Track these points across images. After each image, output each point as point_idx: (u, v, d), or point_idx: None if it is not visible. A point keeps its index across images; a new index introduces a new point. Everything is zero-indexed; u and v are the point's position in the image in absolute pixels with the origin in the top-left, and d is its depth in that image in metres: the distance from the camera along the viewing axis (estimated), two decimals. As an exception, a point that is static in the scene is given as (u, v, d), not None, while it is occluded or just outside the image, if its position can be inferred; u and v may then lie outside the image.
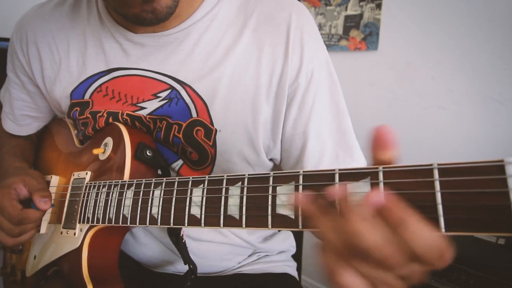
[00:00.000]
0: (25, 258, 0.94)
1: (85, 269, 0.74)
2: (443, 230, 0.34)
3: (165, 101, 0.79)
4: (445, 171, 0.35)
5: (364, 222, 0.36)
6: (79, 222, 0.76)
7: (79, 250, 0.75)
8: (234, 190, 0.50)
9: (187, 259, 0.82)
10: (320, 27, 2.03)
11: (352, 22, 1.95)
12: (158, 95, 0.79)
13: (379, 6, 1.88)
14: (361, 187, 0.40)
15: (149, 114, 0.80)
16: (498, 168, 0.32)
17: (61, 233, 0.79)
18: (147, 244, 0.95)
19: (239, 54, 0.77)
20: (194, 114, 0.78)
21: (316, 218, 0.41)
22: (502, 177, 0.32)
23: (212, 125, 0.78)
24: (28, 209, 0.77)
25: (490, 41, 1.67)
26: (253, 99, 0.77)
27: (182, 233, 0.82)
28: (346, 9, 1.96)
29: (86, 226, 0.75)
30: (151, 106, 0.80)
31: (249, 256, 1.01)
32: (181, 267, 0.95)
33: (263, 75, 0.76)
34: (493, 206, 0.32)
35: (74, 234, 0.76)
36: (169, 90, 0.79)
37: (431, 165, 0.35)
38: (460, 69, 1.74)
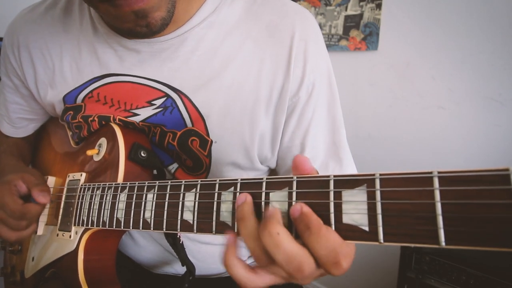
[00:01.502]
0: (24, 259, 0.93)
1: (81, 272, 0.72)
2: (443, 243, 0.31)
3: (160, 109, 0.76)
4: (445, 179, 0.32)
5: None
6: (74, 225, 0.74)
7: (74, 253, 0.73)
8: (227, 196, 0.48)
9: (184, 261, 0.80)
10: (320, 27, 1.99)
11: (352, 22, 1.93)
12: (153, 102, 0.76)
13: (379, 6, 1.85)
14: (357, 195, 0.37)
15: (142, 121, 0.77)
16: (503, 177, 0.29)
17: (57, 235, 0.78)
18: (145, 246, 0.94)
19: (239, 65, 0.73)
20: (189, 124, 0.76)
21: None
22: (506, 187, 0.29)
23: (208, 136, 0.76)
24: (29, 203, 0.76)
25: (490, 41, 1.65)
26: (252, 112, 0.74)
27: (179, 234, 0.80)
28: (346, 9, 1.94)
29: (81, 229, 0.73)
30: (144, 113, 0.77)
31: (249, 257, 0.99)
32: (180, 268, 0.93)
33: (263, 87, 0.73)
34: (497, 219, 0.29)
35: (70, 236, 0.75)
36: (164, 98, 0.76)
37: (430, 173, 0.33)
38: (460, 69, 1.72)
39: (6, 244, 1.00)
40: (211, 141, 0.76)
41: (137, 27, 0.64)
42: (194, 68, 0.74)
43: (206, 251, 0.92)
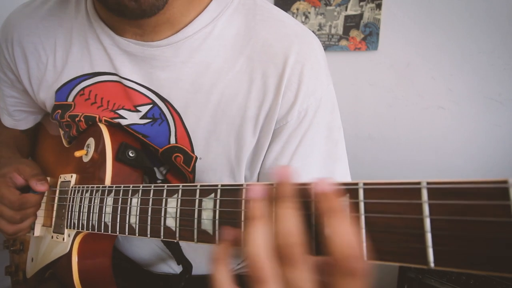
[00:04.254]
0: (25, 259, 0.92)
1: (75, 274, 0.70)
2: (432, 264, 0.27)
3: (149, 120, 0.72)
4: (435, 191, 0.27)
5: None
6: (67, 227, 0.72)
7: (68, 255, 0.71)
8: (208, 203, 0.45)
9: (180, 260, 0.78)
10: (320, 27, 1.96)
11: (352, 22, 1.88)
12: (139, 108, 0.72)
13: (379, 6, 1.81)
14: (339, 207, 0.33)
15: (127, 125, 0.73)
16: (500, 191, 0.24)
17: (52, 237, 0.76)
18: (142, 245, 0.91)
19: (229, 81, 0.68)
20: (172, 140, 0.71)
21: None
22: (505, 203, 0.24)
23: (193, 153, 0.71)
24: (27, 193, 0.76)
25: (490, 41, 1.61)
26: (238, 131, 0.69)
27: None
28: (346, 9, 1.89)
29: (74, 232, 0.71)
30: (131, 118, 0.73)
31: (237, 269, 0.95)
32: (178, 267, 0.90)
33: (251, 107, 0.67)
34: (493, 239, 0.24)
35: (63, 239, 0.73)
36: (151, 105, 0.72)
37: (419, 183, 0.28)
38: (460, 69, 1.69)
39: (9, 243, 0.99)
40: (196, 158, 0.72)
41: None
42: (184, 79, 0.69)
43: (202, 253, 0.89)
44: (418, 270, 1.42)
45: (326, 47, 1.96)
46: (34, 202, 0.75)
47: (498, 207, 0.24)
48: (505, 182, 0.24)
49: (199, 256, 0.88)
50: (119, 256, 0.94)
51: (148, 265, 0.94)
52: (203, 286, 0.89)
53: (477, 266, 0.25)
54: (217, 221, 0.43)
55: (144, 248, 0.91)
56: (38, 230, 0.82)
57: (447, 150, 1.74)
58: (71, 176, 0.75)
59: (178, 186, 0.48)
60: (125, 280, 0.90)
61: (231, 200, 0.42)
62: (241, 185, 0.41)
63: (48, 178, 0.84)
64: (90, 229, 0.65)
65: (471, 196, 0.26)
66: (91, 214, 0.64)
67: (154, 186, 0.53)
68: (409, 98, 1.82)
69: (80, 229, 0.67)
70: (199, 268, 0.87)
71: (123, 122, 0.73)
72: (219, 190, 0.43)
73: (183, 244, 0.82)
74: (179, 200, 0.48)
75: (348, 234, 0.32)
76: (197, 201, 0.45)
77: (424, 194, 0.28)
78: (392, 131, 1.88)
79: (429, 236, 0.27)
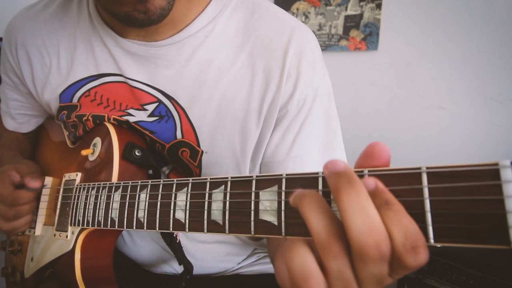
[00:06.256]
0: (24, 259, 0.93)
1: (78, 272, 0.72)
2: (432, 240, 0.30)
3: (156, 118, 0.75)
4: (434, 175, 0.31)
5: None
6: (71, 225, 0.73)
7: (71, 252, 0.72)
8: (218, 195, 0.47)
9: (181, 260, 0.80)
10: (320, 27, 1.99)
11: (352, 22, 1.92)
12: (145, 107, 0.76)
13: (379, 6, 1.84)
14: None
15: (135, 122, 0.77)
16: (492, 172, 0.28)
17: (55, 235, 0.77)
18: (143, 245, 0.93)
19: (232, 77, 0.72)
20: (179, 135, 0.75)
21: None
22: (496, 182, 0.28)
23: (199, 147, 0.75)
24: (20, 190, 0.77)
25: (490, 41, 1.63)
26: (242, 125, 0.73)
27: (176, 233, 0.79)
28: (346, 9, 1.92)
29: (78, 229, 0.72)
30: (139, 116, 0.77)
31: (249, 256, 0.98)
32: (179, 267, 0.93)
33: (254, 101, 0.72)
34: (486, 215, 0.28)
35: (66, 236, 0.74)
36: (157, 104, 0.75)
37: (419, 168, 0.32)
38: (460, 69, 1.71)
39: (6, 244, 1.00)
40: (202, 152, 0.75)
41: (135, 12, 0.61)
42: (188, 77, 0.73)
43: (204, 250, 0.91)
44: (418, 270, 1.44)
45: (326, 47, 1.98)
46: (26, 198, 0.77)
47: (491, 186, 0.28)
48: (496, 164, 0.28)
49: (199, 256, 0.90)
50: (121, 257, 0.96)
51: (150, 266, 0.96)
52: (204, 286, 0.92)
53: (473, 240, 0.29)
54: (227, 212, 0.46)
55: (146, 248, 0.93)
56: (39, 229, 0.83)
57: (447, 150, 1.77)
58: (76, 175, 0.77)
59: (188, 180, 0.51)
60: (127, 281, 0.91)
61: (242, 192, 0.45)
62: (251, 176, 0.44)
63: (51, 178, 0.86)
64: (96, 225, 0.66)
65: (466, 178, 0.29)
66: (97, 210, 0.66)
67: (163, 181, 0.55)
68: (409, 98, 1.85)
69: (85, 225, 0.69)
70: (200, 268, 0.89)
71: (131, 119, 0.76)
72: (229, 182, 0.46)
73: (184, 244, 0.85)
74: (188, 194, 0.50)
75: (362, 213, 0.31)
76: (207, 194, 0.48)
77: (424, 178, 0.31)
78: (392, 131, 1.91)
79: (429, 216, 0.31)
